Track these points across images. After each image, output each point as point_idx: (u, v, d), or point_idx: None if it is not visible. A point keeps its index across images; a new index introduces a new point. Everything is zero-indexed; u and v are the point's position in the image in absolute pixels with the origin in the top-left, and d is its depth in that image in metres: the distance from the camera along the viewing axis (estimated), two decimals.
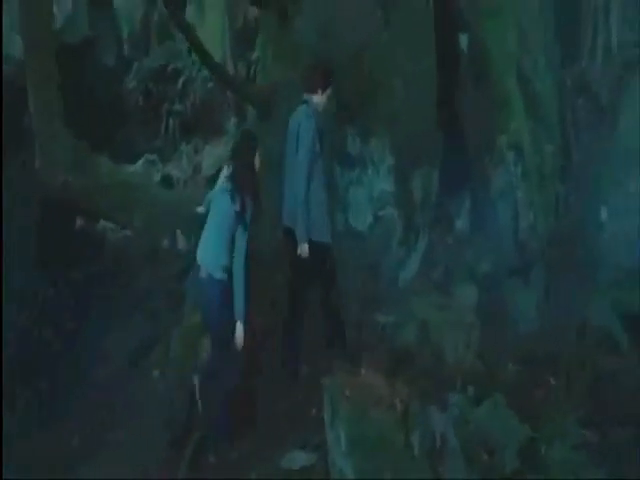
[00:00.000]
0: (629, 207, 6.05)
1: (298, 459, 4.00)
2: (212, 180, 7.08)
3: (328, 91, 4.96)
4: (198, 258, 4.53)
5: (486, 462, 3.61)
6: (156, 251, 5.00)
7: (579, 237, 6.15)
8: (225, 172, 4.63)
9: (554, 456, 3.59)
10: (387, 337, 4.97)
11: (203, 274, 4.47)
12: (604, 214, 6.15)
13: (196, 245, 4.53)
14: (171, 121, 7.93)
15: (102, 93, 7.21)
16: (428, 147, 6.12)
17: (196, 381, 4.51)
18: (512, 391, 4.17)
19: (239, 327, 4.36)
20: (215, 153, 7.27)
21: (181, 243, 4.85)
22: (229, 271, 4.39)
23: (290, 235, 4.84)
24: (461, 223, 6.28)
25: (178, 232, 4.83)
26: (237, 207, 4.38)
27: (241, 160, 4.53)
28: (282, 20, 5.42)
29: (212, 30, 8.98)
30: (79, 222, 5.56)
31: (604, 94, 6.50)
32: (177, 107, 8.00)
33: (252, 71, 7.20)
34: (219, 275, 4.41)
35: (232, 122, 8.03)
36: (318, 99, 4.92)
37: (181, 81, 8.17)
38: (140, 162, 7.34)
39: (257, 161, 4.57)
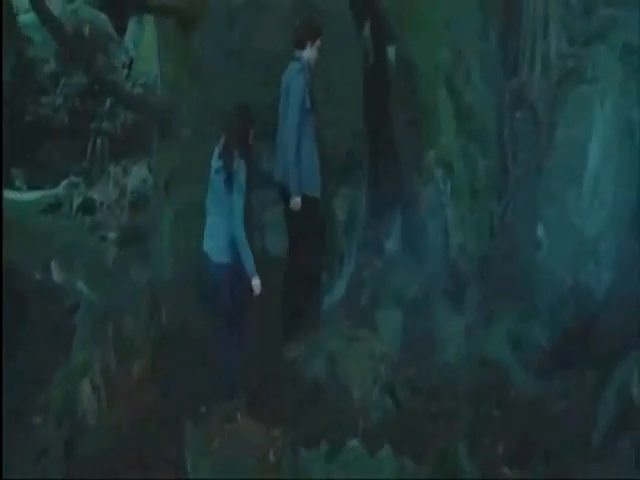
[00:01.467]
0: (566, 223, 5.74)
1: None
2: (134, 203, 6.77)
3: (317, 43, 5.09)
4: (204, 247, 4.61)
5: None
6: (42, 285, 4.63)
7: (515, 256, 5.81)
8: (216, 151, 4.65)
9: None
10: (296, 372, 4.62)
11: (210, 261, 4.57)
12: (540, 231, 5.83)
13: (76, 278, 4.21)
14: (99, 141, 7.59)
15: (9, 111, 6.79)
16: (353, 165, 5.79)
17: None
18: (418, 431, 3.83)
19: (255, 281, 4.52)
20: (140, 174, 6.92)
21: (57, 275, 4.51)
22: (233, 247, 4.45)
23: (283, 192, 5.03)
24: (391, 245, 5.94)
25: (53, 263, 4.49)
26: (224, 175, 4.43)
27: (234, 132, 4.59)
28: (181, 31, 5.08)
29: (149, 46, 8.76)
30: None
31: (541, 108, 6.19)
32: (105, 126, 7.66)
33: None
34: (225, 259, 4.50)
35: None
36: (308, 54, 5.07)
37: (109, 99, 7.81)
38: (63, 184, 6.97)
39: (251, 136, 4.66)
